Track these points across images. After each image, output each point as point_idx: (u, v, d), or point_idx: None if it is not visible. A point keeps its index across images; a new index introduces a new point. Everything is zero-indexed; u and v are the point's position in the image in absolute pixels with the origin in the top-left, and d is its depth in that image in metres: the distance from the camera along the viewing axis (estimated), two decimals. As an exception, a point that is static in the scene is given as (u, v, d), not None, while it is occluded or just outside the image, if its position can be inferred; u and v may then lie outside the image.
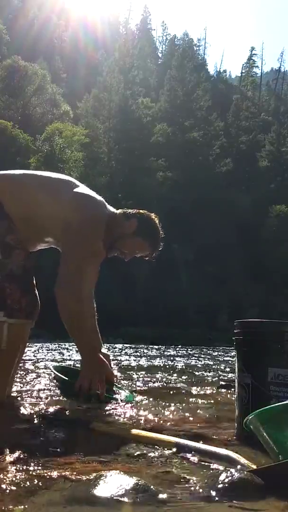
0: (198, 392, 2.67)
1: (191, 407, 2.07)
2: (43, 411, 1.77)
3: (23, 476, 1.01)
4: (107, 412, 1.84)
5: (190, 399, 2.32)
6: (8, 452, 1.16)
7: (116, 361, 5.26)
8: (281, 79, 64.23)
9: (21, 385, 2.55)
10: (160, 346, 12.58)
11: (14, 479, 0.99)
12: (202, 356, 8.22)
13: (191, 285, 27.26)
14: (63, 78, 43.01)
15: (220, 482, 0.95)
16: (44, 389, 2.41)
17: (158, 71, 51.49)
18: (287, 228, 32.31)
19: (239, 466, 1.11)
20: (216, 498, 0.91)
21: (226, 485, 0.94)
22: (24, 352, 2.31)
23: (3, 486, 0.93)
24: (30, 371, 3.43)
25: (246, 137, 41.49)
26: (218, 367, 5.31)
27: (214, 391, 2.72)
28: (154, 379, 3.33)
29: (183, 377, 3.67)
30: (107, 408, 1.92)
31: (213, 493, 0.93)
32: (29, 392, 2.30)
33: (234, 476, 0.97)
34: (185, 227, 27.85)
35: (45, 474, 1.02)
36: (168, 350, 10.68)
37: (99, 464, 1.13)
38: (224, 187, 34.54)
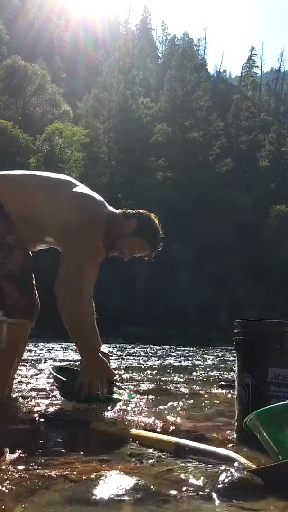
0: (198, 392, 2.67)
1: (191, 407, 2.07)
2: (43, 411, 1.77)
3: (23, 476, 1.01)
4: (107, 412, 1.84)
5: (190, 399, 2.32)
6: (8, 452, 1.16)
7: (116, 361, 5.26)
8: (281, 79, 64.25)
9: (21, 385, 2.55)
10: (160, 346, 12.58)
11: (14, 479, 0.99)
12: (202, 356, 8.22)
13: (191, 285, 27.26)
14: (63, 78, 43.00)
15: (220, 482, 0.95)
16: (44, 389, 2.41)
17: (158, 71, 51.50)
18: (287, 228, 32.31)
19: (239, 466, 1.11)
20: (216, 498, 0.91)
21: (226, 485, 0.94)
22: (24, 352, 2.31)
23: (3, 486, 0.93)
24: (30, 371, 3.44)
25: (246, 137, 41.50)
26: (218, 367, 5.31)
27: (214, 391, 2.72)
28: (154, 379, 3.33)
29: (183, 377, 3.67)
30: (107, 408, 1.92)
31: (213, 493, 0.93)
32: (29, 392, 2.30)
33: (234, 476, 0.97)
34: (185, 227, 27.86)
35: (45, 474, 1.02)
36: (168, 350, 10.68)
37: (99, 464, 1.13)
38: (224, 187, 34.55)
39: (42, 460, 1.14)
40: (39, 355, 6.06)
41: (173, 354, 8.70)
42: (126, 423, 1.66)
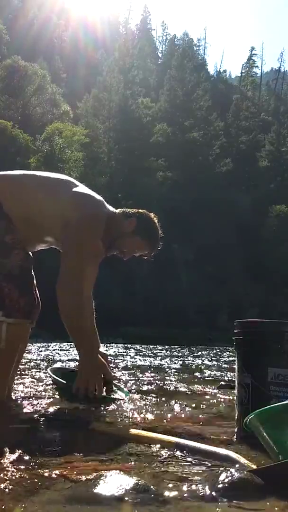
0: (198, 392, 2.67)
1: (191, 407, 2.07)
2: (43, 411, 1.77)
3: (23, 476, 1.01)
4: (107, 412, 1.84)
5: (190, 399, 2.32)
6: (8, 452, 1.16)
7: (115, 361, 5.26)
8: (281, 79, 64.26)
9: (21, 385, 2.55)
10: (160, 346, 12.59)
11: (14, 478, 0.99)
12: (202, 356, 8.22)
13: (191, 285, 27.27)
14: (63, 78, 43.01)
15: (220, 482, 0.95)
16: (44, 389, 2.41)
17: (158, 71, 51.53)
18: (287, 228, 32.32)
19: (239, 466, 1.11)
20: (216, 498, 0.91)
21: (226, 485, 0.94)
22: (24, 352, 2.31)
23: (3, 485, 0.93)
24: (30, 371, 3.43)
25: (246, 137, 41.51)
26: (218, 367, 5.31)
27: (214, 391, 2.72)
28: (154, 379, 3.33)
29: (183, 376, 3.67)
30: (107, 408, 1.92)
31: (213, 493, 0.93)
32: (29, 392, 2.30)
33: (234, 476, 0.97)
34: (185, 227, 27.88)
35: (45, 474, 1.02)
36: (168, 350, 10.68)
37: (99, 464, 1.13)
38: (224, 187, 34.55)
39: (42, 460, 1.14)
40: (39, 355, 6.06)
41: (173, 354, 8.70)
42: (126, 423, 1.66)
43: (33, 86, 32.18)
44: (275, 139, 40.62)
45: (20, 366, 2.79)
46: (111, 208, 2.22)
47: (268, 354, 1.54)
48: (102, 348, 2.23)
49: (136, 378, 3.34)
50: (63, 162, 27.77)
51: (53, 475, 1.02)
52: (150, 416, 1.77)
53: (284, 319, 1.67)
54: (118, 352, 8.41)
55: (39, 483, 0.96)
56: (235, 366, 1.66)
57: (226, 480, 0.96)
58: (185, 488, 0.96)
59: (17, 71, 31.29)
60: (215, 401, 2.31)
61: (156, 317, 23.97)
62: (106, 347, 9.89)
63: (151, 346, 12.33)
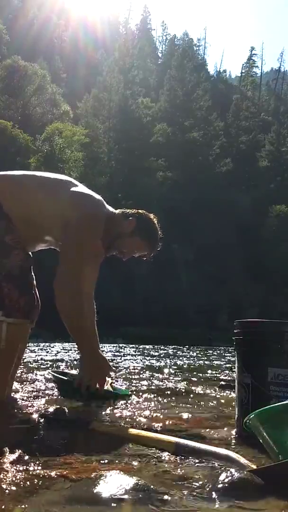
0: (198, 392, 2.67)
1: (191, 407, 2.07)
2: (43, 411, 1.77)
3: (23, 476, 1.01)
4: (107, 412, 1.84)
5: (190, 399, 2.32)
6: (8, 452, 1.16)
7: (115, 361, 5.25)
8: (281, 79, 64.29)
9: (21, 385, 2.55)
10: (159, 346, 12.58)
11: (14, 479, 0.99)
12: (202, 356, 8.22)
13: (191, 285, 27.27)
14: (63, 78, 43.02)
15: (220, 482, 0.95)
16: (44, 389, 2.41)
17: (158, 71, 51.54)
18: (287, 228, 32.33)
19: (239, 466, 1.11)
20: (216, 498, 0.91)
21: (226, 485, 0.94)
22: (24, 352, 2.31)
23: (3, 486, 0.93)
24: (30, 371, 3.43)
25: (246, 137, 41.53)
26: (218, 367, 5.31)
27: (214, 391, 2.72)
28: (154, 379, 3.33)
29: (183, 376, 3.67)
30: (107, 408, 1.92)
31: (213, 493, 0.93)
32: (29, 392, 2.30)
33: (234, 476, 0.97)
34: (185, 227, 27.89)
35: (45, 474, 1.02)
36: (167, 350, 10.68)
37: (99, 464, 1.13)
38: (224, 187, 34.56)
39: (42, 460, 1.13)
40: (39, 355, 6.06)
41: (173, 354, 8.70)
42: (126, 423, 1.66)
43: (33, 86, 32.19)
44: (275, 139, 40.63)
45: (20, 366, 2.79)
46: (110, 208, 2.22)
47: (268, 354, 1.54)
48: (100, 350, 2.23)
49: (136, 378, 3.33)
50: (63, 162, 27.78)
51: (53, 475, 1.02)
52: (150, 416, 1.77)
53: (284, 319, 1.67)
54: (118, 352, 8.41)
55: (39, 483, 0.96)
56: (235, 366, 1.66)
57: (226, 480, 0.96)
58: (185, 488, 0.96)
59: (17, 71, 31.30)
60: (214, 401, 2.31)
61: (156, 317, 23.98)
62: (106, 347, 9.89)
63: (151, 346, 12.33)
